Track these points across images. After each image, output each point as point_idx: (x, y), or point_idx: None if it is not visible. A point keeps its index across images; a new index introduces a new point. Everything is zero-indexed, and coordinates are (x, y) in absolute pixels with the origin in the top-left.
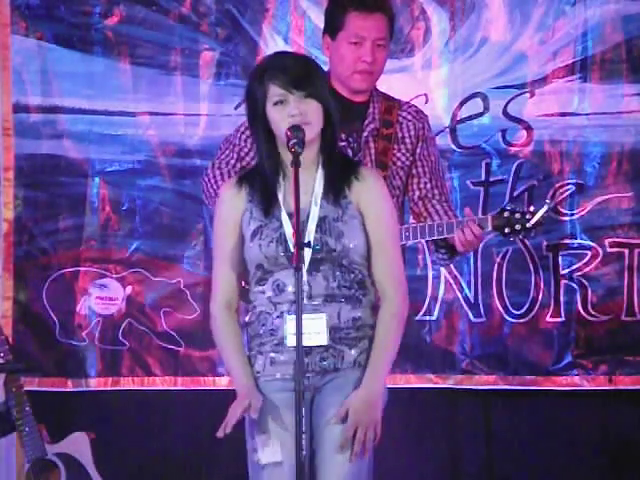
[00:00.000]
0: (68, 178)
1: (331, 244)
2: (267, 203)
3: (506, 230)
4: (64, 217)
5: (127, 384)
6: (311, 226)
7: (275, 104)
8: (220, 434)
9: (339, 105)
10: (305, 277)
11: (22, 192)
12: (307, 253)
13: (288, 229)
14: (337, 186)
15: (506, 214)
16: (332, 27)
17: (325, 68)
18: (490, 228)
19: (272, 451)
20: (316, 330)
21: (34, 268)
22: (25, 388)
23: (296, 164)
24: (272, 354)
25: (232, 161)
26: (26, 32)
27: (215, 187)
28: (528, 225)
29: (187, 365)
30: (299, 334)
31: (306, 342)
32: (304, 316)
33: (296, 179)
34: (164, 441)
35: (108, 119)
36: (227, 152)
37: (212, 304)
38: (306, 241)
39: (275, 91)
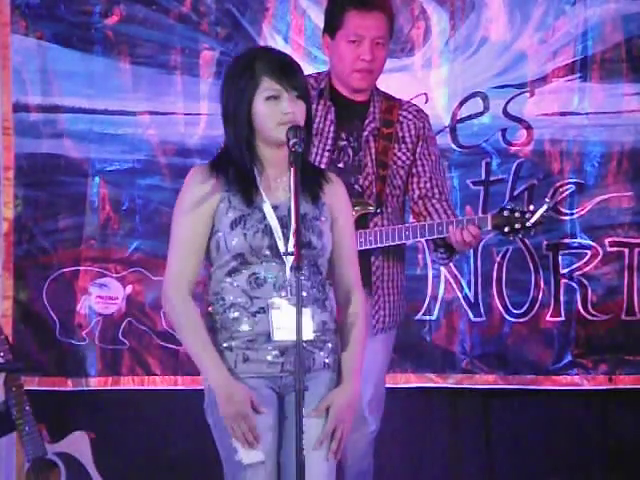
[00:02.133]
0: (68, 177)
1: (314, 242)
2: (249, 194)
3: (506, 229)
4: (64, 216)
5: (127, 383)
6: (293, 226)
7: (267, 99)
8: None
9: (340, 104)
10: (288, 274)
11: (22, 191)
12: (290, 248)
13: (273, 221)
14: (312, 186)
15: (506, 213)
16: (331, 26)
17: (325, 67)
18: (490, 227)
19: (255, 451)
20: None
21: (34, 267)
22: (25, 387)
23: (296, 164)
24: (246, 351)
25: None
26: (26, 31)
27: None
28: (528, 224)
29: (187, 364)
30: (299, 333)
31: (290, 336)
32: (289, 310)
33: (296, 178)
34: (164, 440)
35: (108, 118)
36: None
37: (169, 287)
38: (289, 236)
39: (270, 85)
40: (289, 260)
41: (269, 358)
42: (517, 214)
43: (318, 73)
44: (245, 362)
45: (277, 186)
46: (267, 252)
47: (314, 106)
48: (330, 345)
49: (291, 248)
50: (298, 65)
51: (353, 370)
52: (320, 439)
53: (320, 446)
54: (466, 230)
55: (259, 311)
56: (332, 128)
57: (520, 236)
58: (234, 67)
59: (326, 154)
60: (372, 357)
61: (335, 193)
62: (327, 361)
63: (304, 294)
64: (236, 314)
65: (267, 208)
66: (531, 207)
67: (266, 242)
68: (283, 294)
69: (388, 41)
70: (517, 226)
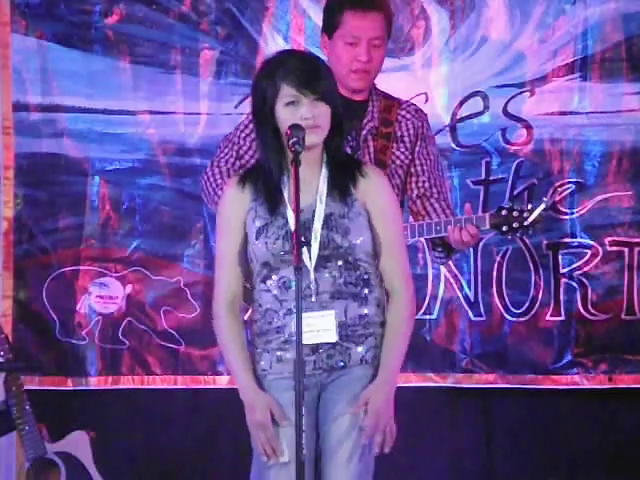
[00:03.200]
0: (68, 177)
1: (338, 241)
2: (273, 201)
3: (504, 228)
4: (64, 216)
5: (127, 383)
6: (317, 224)
7: (287, 104)
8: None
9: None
10: (312, 275)
11: (22, 191)
12: (314, 250)
13: (293, 226)
14: (342, 184)
15: (504, 212)
16: (329, 26)
17: None
18: (488, 226)
19: (279, 452)
20: (325, 327)
21: (34, 267)
22: (25, 387)
23: (296, 163)
24: (279, 352)
25: (231, 159)
26: (26, 31)
27: (214, 185)
28: (526, 223)
29: (187, 364)
30: (299, 333)
31: (315, 339)
32: (313, 314)
33: (296, 178)
34: (164, 440)
35: (108, 118)
36: (226, 150)
37: (215, 304)
38: (311, 239)
39: (288, 91)
40: (312, 262)
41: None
42: (515, 213)
43: None
44: (279, 362)
45: (305, 189)
46: (288, 257)
47: None
48: (372, 339)
49: (313, 244)
50: (320, 67)
51: (389, 367)
52: (345, 436)
53: (345, 443)
54: (464, 229)
55: (288, 313)
56: None
57: (518, 235)
58: (260, 73)
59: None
60: None
61: (369, 187)
62: (365, 357)
63: (326, 296)
64: (270, 319)
65: (289, 214)
66: (529, 206)
67: (287, 248)
68: (308, 297)
69: (386, 41)
70: (515, 225)
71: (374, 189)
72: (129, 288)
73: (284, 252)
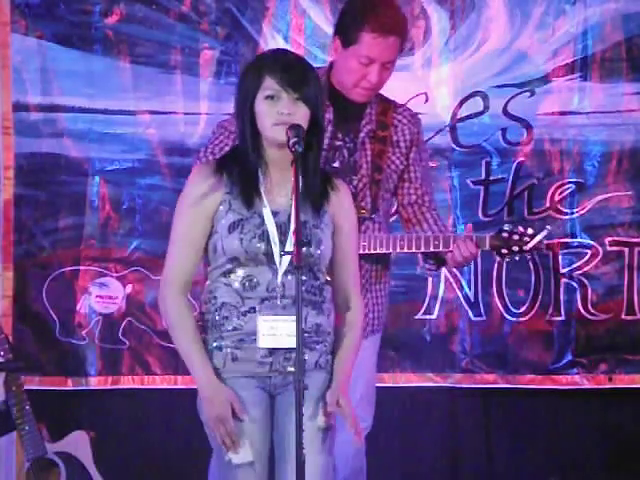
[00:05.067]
0: (68, 177)
1: (311, 250)
2: (249, 197)
3: (503, 251)
4: (64, 216)
5: (127, 383)
6: (292, 227)
7: (266, 97)
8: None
9: (338, 103)
10: (280, 278)
11: (22, 191)
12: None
13: (271, 227)
14: (315, 194)
15: (505, 235)
16: (346, 37)
17: (318, 65)
18: (487, 247)
19: (244, 451)
20: (287, 332)
21: (34, 267)
22: (25, 387)
23: (296, 164)
24: (235, 350)
25: (226, 148)
26: (26, 31)
27: None
28: (525, 248)
29: None
30: (299, 333)
31: (274, 344)
32: (275, 317)
33: (296, 178)
34: (164, 440)
35: (108, 118)
36: (221, 138)
37: (163, 285)
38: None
39: (269, 84)
40: (282, 265)
41: (258, 358)
42: (515, 237)
43: (317, 68)
44: (234, 361)
45: (279, 191)
46: (262, 257)
47: None
48: (324, 346)
49: (288, 248)
50: (309, 70)
51: (347, 372)
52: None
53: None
54: (465, 247)
55: (249, 311)
56: (329, 127)
57: (517, 258)
58: (249, 64)
59: (322, 153)
60: (363, 357)
61: (339, 200)
62: (319, 361)
63: (290, 301)
64: (226, 313)
65: (267, 213)
66: (529, 230)
67: (262, 248)
68: (273, 299)
69: (396, 60)
70: (515, 249)
71: (344, 204)
72: (129, 288)
73: (264, 253)
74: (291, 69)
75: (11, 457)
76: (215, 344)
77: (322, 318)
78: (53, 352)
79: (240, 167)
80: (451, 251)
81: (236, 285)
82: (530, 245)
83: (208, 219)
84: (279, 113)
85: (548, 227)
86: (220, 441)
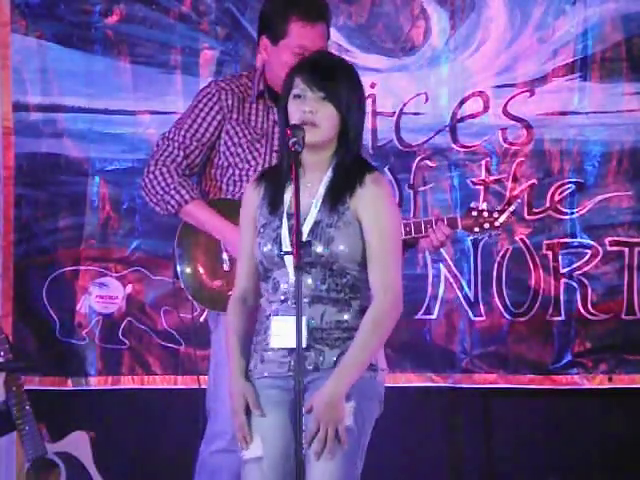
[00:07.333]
0: (68, 177)
1: (318, 249)
2: (274, 202)
3: (476, 229)
4: (64, 216)
5: (127, 383)
6: (306, 228)
7: (294, 97)
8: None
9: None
10: (291, 279)
11: (22, 191)
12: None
13: (284, 229)
14: (337, 192)
15: (474, 213)
16: (273, 33)
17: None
18: (460, 228)
19: (254, 446)
20: (295, 332)
21: (34, 267)
22: (25, 387)
23: (295, 163)
24: (262, 352)
25: (178, 159)
26: (26, 31)
27: (164, 185)
28: (496, 224)
29: (187, 364)
30: (299, 333)
31: (285, 344)
32: (286, 317)
33: (296, 178)
34: (164, 440)
35: (108, 118)
36: (170, 149)
37: (231, 296)
38: (305, 241)
39: (297, 84)
40: (291, 266)
41: (279, 358)
42: (485, 214)
43: (249, 72)
44: (262, 363)
45: (307, 192)
46: (279, 260)
47: (255, 106)
48: (346, 344)
49: (286, 248)
50: (338, 70)
51: (342, 371)
52: (307, 440)
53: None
54: (439, 230)
55: (273, 313)
56: (276, 129)
57: (487, 236)
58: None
59: (274, 155)
60: None
61: (364, 196)
62: (340, 360)
63: (305, 300)
64: (262, 319)
65: (283, 216)
66: (497, 207)
67: (275, 250)
68: (289, 300)
69: (326, 48)
70: (486, 226)
71: (368, 199)
72: (129, 288)
73: (279, 256)
74: (318, 68)
75: (11, 457)
76: (253, 347)
77: (348, 315)
78: (53, 352)
79: (275, 172)
80: (426, 236)
81: (268, 290)
82: (500, 220)
83: (253, 229)
84: (302, 111)
85: (519, 200)
86: (236, 434)
